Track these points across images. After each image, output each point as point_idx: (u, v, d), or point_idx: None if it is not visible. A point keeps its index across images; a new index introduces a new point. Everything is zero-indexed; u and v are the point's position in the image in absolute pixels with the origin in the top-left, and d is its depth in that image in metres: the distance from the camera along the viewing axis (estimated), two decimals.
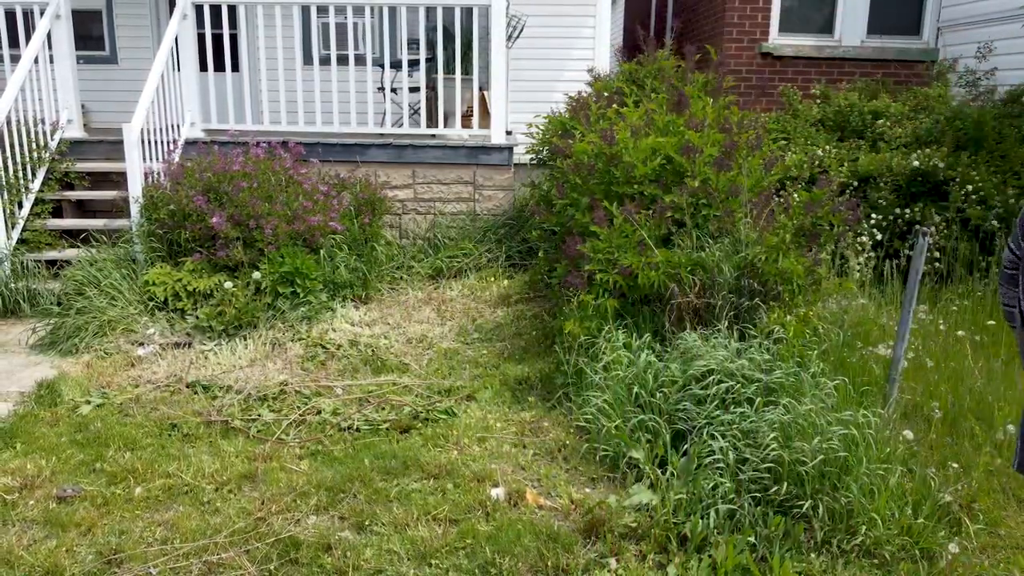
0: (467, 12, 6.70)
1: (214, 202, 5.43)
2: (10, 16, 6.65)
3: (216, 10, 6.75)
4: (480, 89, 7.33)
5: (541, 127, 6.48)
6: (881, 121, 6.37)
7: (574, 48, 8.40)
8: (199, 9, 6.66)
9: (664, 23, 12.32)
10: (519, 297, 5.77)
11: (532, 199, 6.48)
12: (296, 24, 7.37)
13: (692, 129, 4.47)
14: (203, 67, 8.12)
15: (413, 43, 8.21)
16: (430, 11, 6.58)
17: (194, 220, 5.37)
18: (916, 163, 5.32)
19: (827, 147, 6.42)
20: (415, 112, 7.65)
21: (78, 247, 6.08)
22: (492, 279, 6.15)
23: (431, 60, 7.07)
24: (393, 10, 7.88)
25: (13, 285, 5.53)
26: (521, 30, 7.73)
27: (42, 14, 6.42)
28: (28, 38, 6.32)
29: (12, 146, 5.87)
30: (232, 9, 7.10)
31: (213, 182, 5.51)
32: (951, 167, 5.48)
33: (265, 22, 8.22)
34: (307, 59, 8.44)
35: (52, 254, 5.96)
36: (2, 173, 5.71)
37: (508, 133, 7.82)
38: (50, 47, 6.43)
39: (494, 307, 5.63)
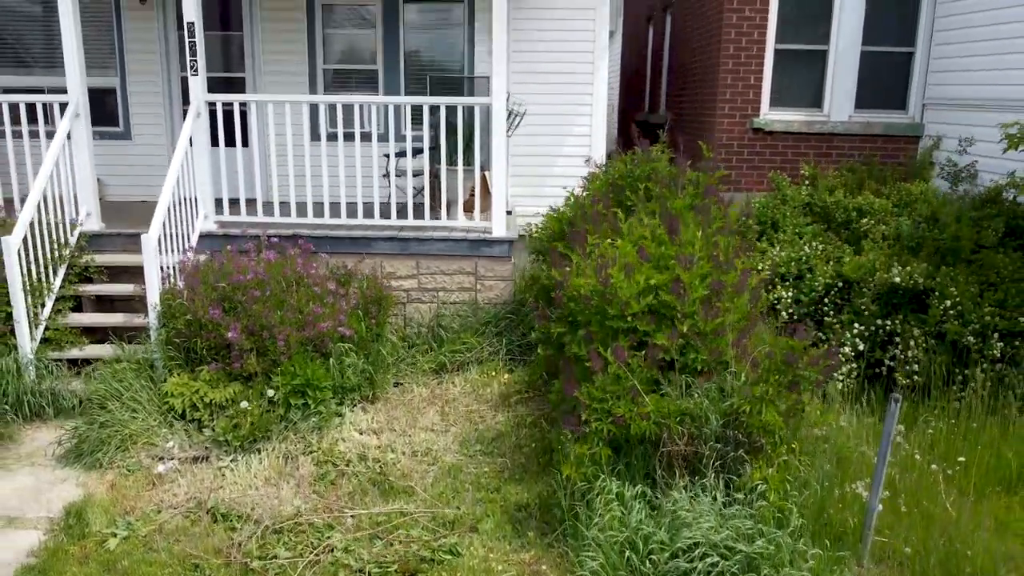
0: (469, 108, 6.98)
1: (229, 313, 5.70)
2: (29, 107, 6.95)
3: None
4: (482, 169, 7.60)
5: (540, 225, 6.75)
6: (865, 220, 6.65)
7: (573, 125, 8.67)
8: (212, 107, 6.93)
9: (660, 72, 12.61)
10: (519, 397, 6.05)
11: (530, 294, 6.77)
12: (304, 109, 7.68)
13: (682, 265, 4.74)
14: (214, 142, 8.43)
15: (417, 119, 8.49)
16: (434, 107, 6.85)
17: (210, 330, 5.64)
18: (896, 279, 5.59)
19: (814, 243, 6.70)
20: (419, 192, 7.92)
21: (99, 343, 6.37)
22: (493, 373, 6.43)
23: (434, 148, 7.34)
24: (399, 106, 8.18)
25: (37, 389, 5.80)
26: (522, 117, 8.01)
27: (62, 111, 6.70)
28: (43, 120, 6.61)
29: (36, 248, 6.14)
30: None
31: (228, 291, 5.78)
32: (931, 275, 5.76)
33: (275, 108, 8.52)
34: (314, 135, 8.72)
35: (74, 352, 6.24)
36: (26, 279, 5.98)
37: (508, 213, 8.11)
38: (69, 144, 6.71)
39: (495, 409, 5.90)
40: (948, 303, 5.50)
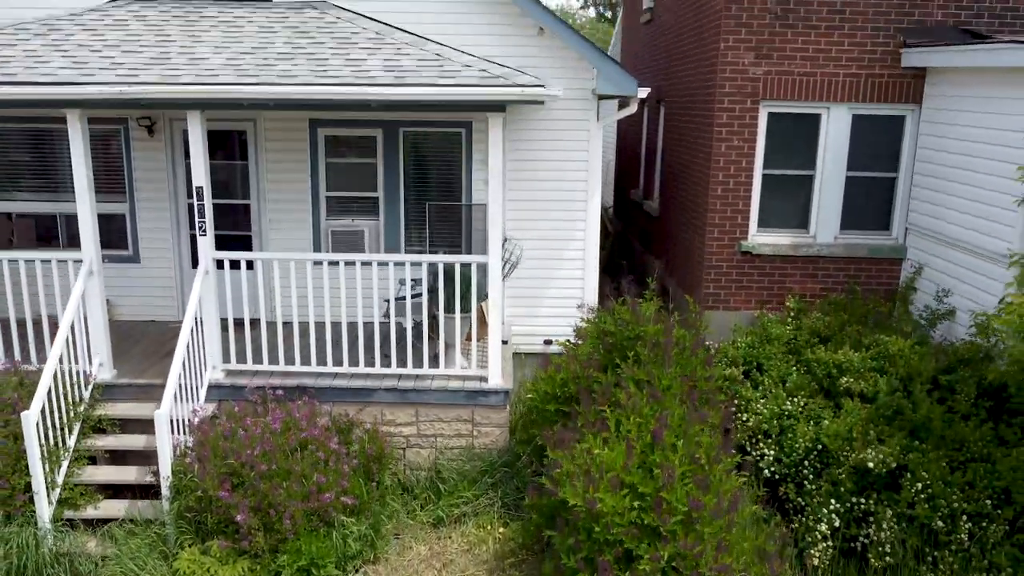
0: (466, 264, 7.28)
1: (237, 489, 6.01)
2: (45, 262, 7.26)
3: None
4: (479, 301, 7.91)
5: (534, 394, 7.06)
6: (844, 379, 6.96)
7: (567, 249, 8.97)
8: (219, 262, 7.23)
9: (654, 155, 12.89)
10: (513, 559, 6.36)
11: (524, 449, 7.10)
12: (308, 234, 8.00)
13: (665, 476, 5.05)
14: (219, 265, 8.74)
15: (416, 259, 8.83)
16: (433, 262, 7.16)
17: (219, 507, 5.95)
18: (870, 463, 5.90)
19: (795, 398, 7.01)
20: (417, 325, 8.22)
21: (114, 497, 6.68)
22: (489, 527, 6.74)
23: (433, 290, 7.63)
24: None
25: (54, 559, 6.10)
26: (518, 260, 8.33)
27: (76, 270, 7.01)
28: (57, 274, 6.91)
29: (53, 413, 6.45)
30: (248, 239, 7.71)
31: (236, 467, 6.09)
32: (904, 452, 6.06)
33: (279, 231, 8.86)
34: (317, 261, 9.04)
35: (90, 511, 6.54)
36: (44, 446, 6.28)
37: (504, 342, 8.43)
38: (83, 304, 7.01)
39: (491, 573, 6.22)
40: (919, 485, 5.80)
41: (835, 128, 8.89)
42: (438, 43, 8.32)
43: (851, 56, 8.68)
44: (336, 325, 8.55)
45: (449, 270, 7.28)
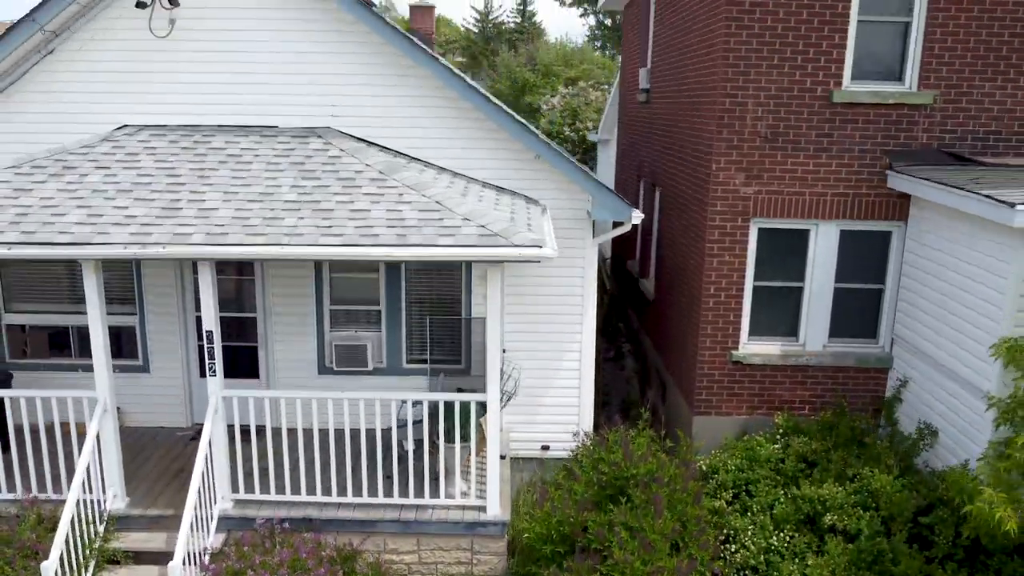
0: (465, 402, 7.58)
1: None
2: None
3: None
4: (478, 418, 8.20)
5: (530, 533, 7.35)
6: (828, 516, 7.25)
7: (563, 359, 9.26)
8: (228, 399, 7.52)
9: (650, 234, 13.16)
10: None
11: None
12: (312, 344, 8.28)
13: None
14: (227, 373, 9.02)
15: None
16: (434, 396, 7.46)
17: None
18: None
19: (782, 531, 7.31)
20: (418, 445, 8.51)
21: None
22: None
23: (434, 415, 7.92)
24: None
25: None
26: (516, 387, 8.63)
27: (90, 413, 7.30)
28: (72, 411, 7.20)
29: (70, 555, 6.74)
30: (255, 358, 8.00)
31: None
32: None
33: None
34: (322, 369, 9.33)
35: None
36: None
37: (502, 457, 8.71)
38: (98, 444, 7.30)
39: None
40: None
41: (823, 243, 9.17)
42: (440, 167, 8.62)
43: (839, 176, 8.96)
44: (339, 433, 8.82)
45: (449, 404, 7.57)
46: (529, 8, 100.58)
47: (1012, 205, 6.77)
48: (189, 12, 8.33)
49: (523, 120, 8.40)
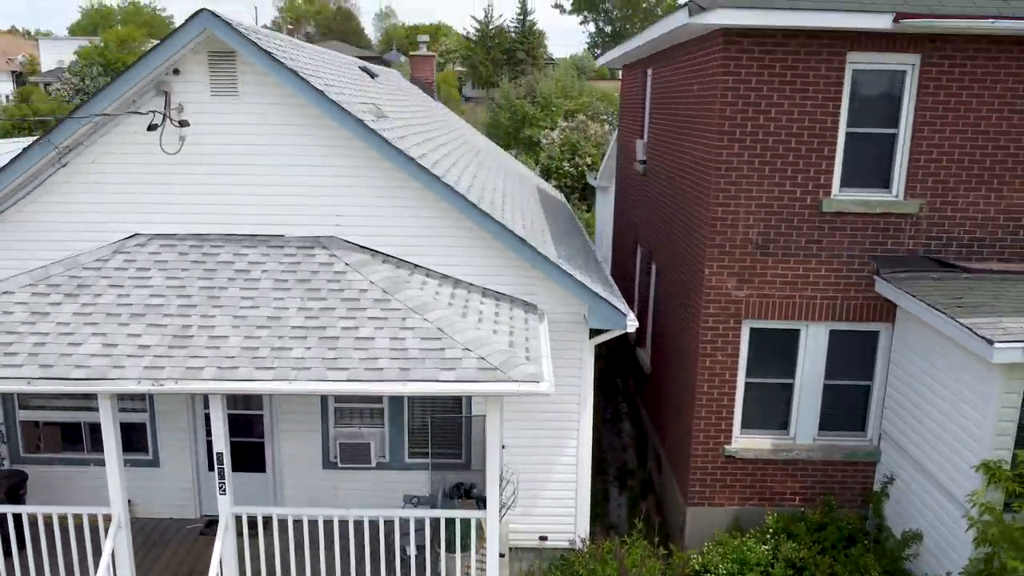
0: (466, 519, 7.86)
1: None
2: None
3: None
4: (478, 522, 8.48)
5: None
6: None
7: (560, 456, 9.54)
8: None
9: (647, 301, 13.44)
10: None
11: None
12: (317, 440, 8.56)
13: None
14: (235, 467, 9.29)
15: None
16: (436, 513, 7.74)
17: None
18: None
19: None
20: (419, 551, 8.79)
21: None
22: None
23: (435, 526, 8.20)
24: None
25: None
26: (514, 498, 8.92)
27: (106, 530, 7.58)
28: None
29: None
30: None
31: None
32: None
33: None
34: (326, 463, 9.62)
35: None
36: None
37: (501, 555, 8.98)
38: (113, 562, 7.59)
39: None
40: None
41: (813, 342, 9.46)
42: (442, 275, 8.89)
43: (828, 281, 9.24)
44: (343, 525, 9.09)
45: (450, 520, 7.85)
46: (529, 18, 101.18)
47: (991, 342, 7.05)
48: (199, 128, 8.61)
49: (522, 235, 8.67)
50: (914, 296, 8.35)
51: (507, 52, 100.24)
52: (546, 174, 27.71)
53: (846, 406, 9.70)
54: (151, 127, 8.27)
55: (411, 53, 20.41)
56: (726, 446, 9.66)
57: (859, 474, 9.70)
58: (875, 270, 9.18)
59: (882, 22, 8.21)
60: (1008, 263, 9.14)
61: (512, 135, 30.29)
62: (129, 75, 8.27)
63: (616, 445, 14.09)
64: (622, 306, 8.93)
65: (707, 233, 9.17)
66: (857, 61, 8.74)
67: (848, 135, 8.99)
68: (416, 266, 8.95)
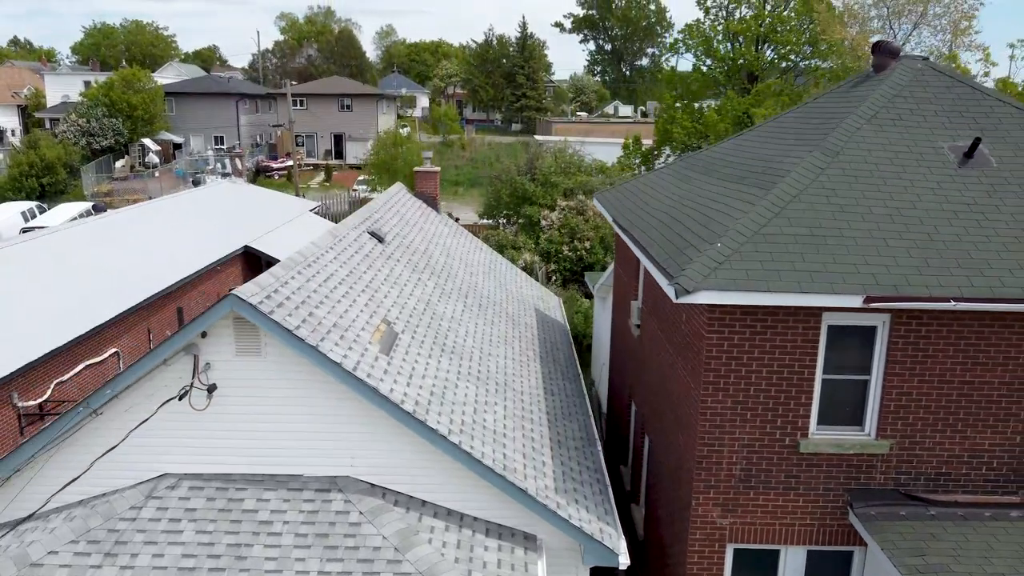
0: None
1: None
2: None
3: None
4: None
5: None
6: None
7: None
8: None
9: (640, 466, 14.13)
10: None
11: None
12: None
13: None
14: None
15: None
16: None
17: None
18: None
19: None
20: None
21: None
22: None
23: None
24: None
25: None
26: None
27: None
28: None
29: None
30: None
31: None
32: None
33: None
34: None
35: None
36: None
37: None
38: None
39: None
40: None
41: (792, 560, 10.20)
42: (447, 510, 9.61)
43: (805, 511, 9.98)
44: None
45: None
46: (532, 38, 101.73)
47: None
48: (225, 382, 9.36)
49: (522, 486, 9.40)
50: (881, 547, 9.09)
51: (507, 76, 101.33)
52: (546, 257, 28.46)
53: None
54: (181, 396, 9.01)
55: (416, 169, 21.15)
56: None
57: None
58: (848, 502, 9.91)
59: (853, 302, 8.94)
60: (973, 495, 9.87)
61: (513, 210, 31.04)
62: (161, 350, 9.02)
63: None
64: (615, 544, 9.66)
65: (694, 468, 9.91)
66: (832, 320, 9.47)
67: (824, 381, 9.72)
68: (425, 503, 9.67)
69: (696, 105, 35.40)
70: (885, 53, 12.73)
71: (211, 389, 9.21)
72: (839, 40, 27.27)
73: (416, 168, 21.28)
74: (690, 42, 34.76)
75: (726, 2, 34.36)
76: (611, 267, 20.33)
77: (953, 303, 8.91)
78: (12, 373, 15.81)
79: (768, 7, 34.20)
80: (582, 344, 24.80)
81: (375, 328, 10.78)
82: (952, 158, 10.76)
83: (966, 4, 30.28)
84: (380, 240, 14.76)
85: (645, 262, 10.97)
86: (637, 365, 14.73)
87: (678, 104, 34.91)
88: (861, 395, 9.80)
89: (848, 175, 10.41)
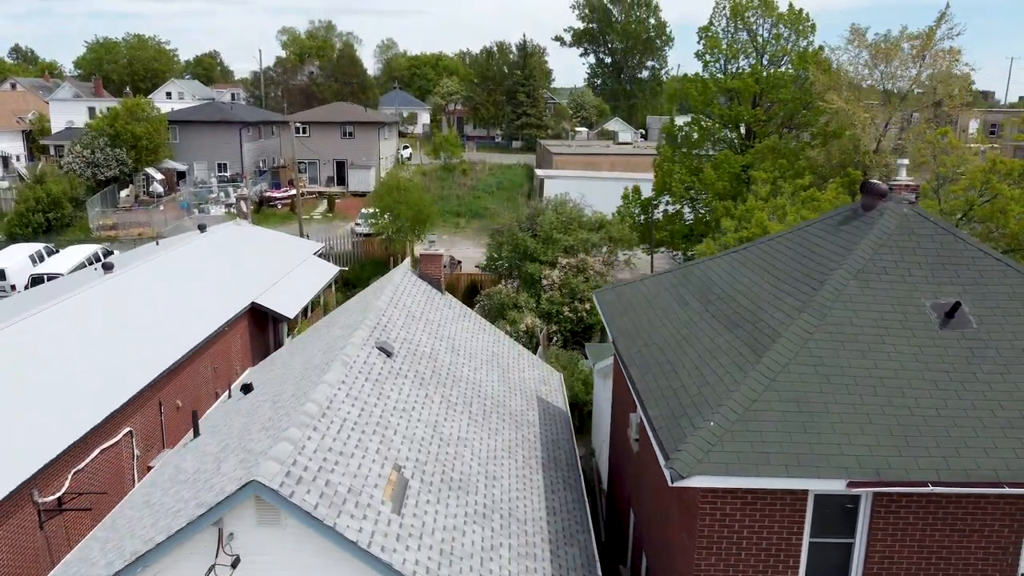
0: None
1: None
2: None
3: None
4: None
5: None
6: None
7: None
8: None
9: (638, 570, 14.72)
10: None
11: None
12: None
13: None
14: None
15: None
16: None
17: None
18: None
19: None
20: None
21: None
22: None
23: None
24: None
25: None
26: None
27: None
28: None
29: None
30: None
31: None
32: None
33: None
34: None
35: None
36: None
37: None
38: None
39: None
40: None
41: None
42: None
43: None
44: None
45: None
46: (530, 58, 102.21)
47: None
48: (247, 550, 9.93)
49: None
50: None
51: (509, 93, 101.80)
52: (547, 318, 29.05)
53: None
54: (207, 574, 9.60)
55: (421, 252, 21.75)
56: None
57: None
58: None
59: (836, 485, 9.53)
60: None
61: (516, 268, 31.63)
62: (191, 527, 9.61)
63: None
64: None
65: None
66: (818, 489, 10.06)
67: (811, 544, 10.31)
68: None
69: (695, 152, 36.04)
70: (873, 194, 13.32)
71: (235, 564, 9.79)
72: (835, 109, 27.81)
73: (421, 251, 21.88)
74: (694, 92, 35.29)
75: (722, 60, 34.97)
76: (611, 357, 20.90)
77: (931, 486, 9.49)
78: (34, 474, 16.36)
79: (765, 60, 34.83)
80: (583, 410, 25.38)
81: (387, 481, 11.36)
82: (934, 317, 11.35)
83: (947, 42, 29.96)
84: (388, 355, 15.34)
85: (643, 419, 11.54)
86: (635, 478, 15.31)
87: (675, 155, 35.56)
88: (845, 559, 10.38)
89: (835, 340, 10.99)
